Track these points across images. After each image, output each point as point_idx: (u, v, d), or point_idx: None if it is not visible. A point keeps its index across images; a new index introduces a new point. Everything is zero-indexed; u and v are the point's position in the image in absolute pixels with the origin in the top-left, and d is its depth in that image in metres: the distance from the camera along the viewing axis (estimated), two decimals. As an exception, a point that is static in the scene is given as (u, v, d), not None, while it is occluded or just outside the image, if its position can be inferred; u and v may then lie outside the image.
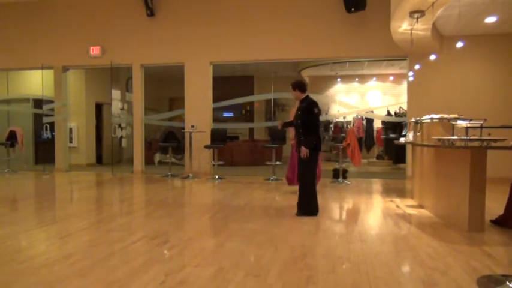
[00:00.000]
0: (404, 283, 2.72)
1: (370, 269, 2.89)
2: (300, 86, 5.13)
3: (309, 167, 4.95)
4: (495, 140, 3.80)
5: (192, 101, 9.30)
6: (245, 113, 15.07)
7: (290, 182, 6.67)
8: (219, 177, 8.53)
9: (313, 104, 4.98)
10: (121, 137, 9.89)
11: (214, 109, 9.55)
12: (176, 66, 9.44)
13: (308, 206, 4.92)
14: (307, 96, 5.14)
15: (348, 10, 8.11)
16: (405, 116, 9.52)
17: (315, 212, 4.91)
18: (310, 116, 4.95)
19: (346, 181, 7.96)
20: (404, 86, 10.96)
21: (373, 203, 5.86)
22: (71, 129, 11.09)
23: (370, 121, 13.48)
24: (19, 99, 11.62)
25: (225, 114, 14.68)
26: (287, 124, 5.61)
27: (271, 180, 8.22)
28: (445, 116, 4.98)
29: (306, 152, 4.84)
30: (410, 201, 5.88)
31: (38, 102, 10.72)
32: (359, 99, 14.43)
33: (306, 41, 8.73)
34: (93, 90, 11.84)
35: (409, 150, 7.92)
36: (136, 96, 9.66)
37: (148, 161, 10.48)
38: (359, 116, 13.30)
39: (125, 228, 4.26)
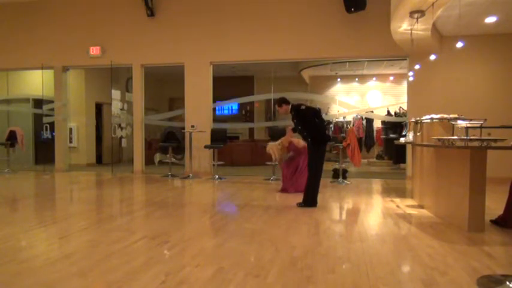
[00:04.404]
0: (404, 283, 2.72)
1: (370, 269, 2.89)
2: (283, 100, 5.61)
3: (315, 162, 5.36)
4: (495, 140, 3.80)
5: (192, 101, 9.30)
6: (245, 113, 15.07)
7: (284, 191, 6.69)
8: (219, 177, 8.53)
9: (298, 105, 5.47)
10: (121, 137, 9.89)
11: (214, 109, 9.55)
12: (176, 66, 9.43)
13: (309, 198, 5.34)
14: (292, 104, 5.56)
15: (348, 10, 8.11)
16: (405, 116, 9.52)
17: (314, 204, 5.33)
18: (301, 116, 5.44)
19: (346, 181, 7.96)
20: (404, 86, 10.96)
21: (373, 203, 5.86)
22: (71, 129, 11.09)
23: (370, 121, 13.49)
24: (19, 99, 11.62)
25: (225, 114, 14.69)
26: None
27: (271, 180, 8.22)
28: (445, 116, 4.98)
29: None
30: (410, 201, 5.88)
31: (38, 102, 10.72)
32: (359, 99, 14.43)
33: (306, 41, 8.73)
34: (93, 90, 11.85)
35: (409, 150, 7.92)
36: (136, 96, 9.66)
37: (149, 161, 10.48)
38: (359, 116, 13.31)
39: (125, 228, 4.26)
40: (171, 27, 9.34)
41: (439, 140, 4.27)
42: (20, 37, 10.14)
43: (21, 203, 6.07)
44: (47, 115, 10.31)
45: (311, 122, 5.39)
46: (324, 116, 12.29)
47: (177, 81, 10.06)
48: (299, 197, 5.54)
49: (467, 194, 3.93)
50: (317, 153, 5.35)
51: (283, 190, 6.66)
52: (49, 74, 10.24)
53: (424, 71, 8.04)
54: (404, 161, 9.07)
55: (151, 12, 9.27)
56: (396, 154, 10.67)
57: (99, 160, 12.34)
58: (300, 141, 6.42)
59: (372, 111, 12.51)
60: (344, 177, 8.10)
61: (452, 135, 4.69)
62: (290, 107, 5.53)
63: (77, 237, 3.90)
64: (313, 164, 5.37)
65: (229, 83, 12.81)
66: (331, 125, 13.88)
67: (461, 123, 4.69)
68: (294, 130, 5.96)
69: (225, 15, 9.11)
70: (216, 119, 11.83)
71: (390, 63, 11.98)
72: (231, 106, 14.78)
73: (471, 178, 3.90)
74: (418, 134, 5.63)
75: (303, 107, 5.44)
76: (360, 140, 12.35)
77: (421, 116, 5.44)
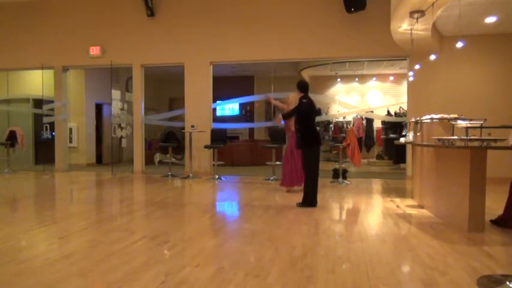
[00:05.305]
0: (404, 283, 2.72)
1: (370, 269, 2.89)
2: (298, 85, 5.57)
3: (310, 162, 5.34)
4: (495, 140, 3.80)
5: (192, 101, 9.30)
6: (245, 113, 15.07)
7: (285, 183, 6.72)
8: (219, 177, 8.53)
9: (302, 97, 5.42)
10: (121, 137, 9.89)
11: (214, 109, 9.54)
12: (176, 66, 9.43)
13: (309, 198, 5.33)
14: (303, 96, 5.45)
15: (348, 10, 8.10)
16: (405, 116, 9.52)
17: (314, 204, 5.31)
18: (299, 109, 5.40)
19: (346, 181, 7.96)
20: (404, 86, 10.96)
21: (373, 203, 5.86)
22: (71, 129, 11.09)
23: (370, 121, 13.49)
24: (19, 99, 11.63)
25: (225, 114, 14.69)
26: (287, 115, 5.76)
27: (271, 180, 8.22)
28: (445, 116, 4.97)
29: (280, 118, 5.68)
30: (410, 201, 5.88)
31: (38, 102, 10.72)
32: (359, 99, 14.43)
33: (306, 41, 8.73)
34: (93, 90, 11.84)
35: (409, 150, 7.92)
36: (136, 96, 9.65)
37: (149, 161, 10.48)
38: (359, 116, 13.30)
39: (125, 228, 4.26)
40: (171, 27, 9.33)
41: (439, 140, 4.27)
42: (20, 37, 10.13)
43: (21, 203, 6.07)
44: (47, 115, 10.31)
45: (304, 118, 5.37)
46: (324, 116, 12.45)
47: (177, 81, 10.06)
48: (299, 197, 5.54)
49: (467, 194, 3.92)
50: (310, 153, 5.35)
51: (283, 184, 6.71)
52: (49, 74, 10.24)
53: (424, 71, 8.04)
54: (404, 161, 9.07)
55: (151, 12, 9.26)
56: (396, 154, 10.67)
57: (99, 160, 12.34)
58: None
59: (372, 111, 12.51)
60: (344, 177, 8.10)
61: (452, 135, 4.69)
62: (301, 96, 5.44)
63: (77, 237, 3.90)
64: (308, 164, 5.37)
65: (229, 83, 12.81)
66: (331, 125, 13.90)
67: (461, 123, 4.68)
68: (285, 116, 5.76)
69: (225, 15, 9.10)
70: (216, 119, 11.84)
71: (390, 63, 11.98)
72: (231, 106, 14.77)
73: (471, 178, 3.90)
74: (418, 134, 5.62)
75: (304, 100, 5.39)
76: (360, 140, 12.35)
77: (421, 116, 5.43)
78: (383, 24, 7.61)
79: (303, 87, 5.50)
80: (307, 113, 5.40)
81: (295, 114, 5.51)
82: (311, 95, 5.58)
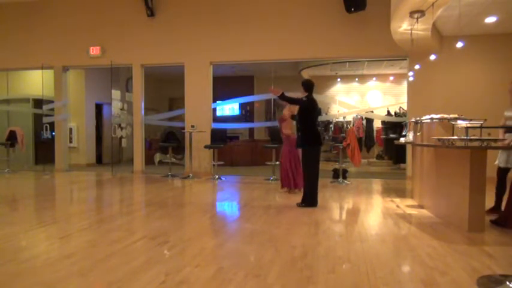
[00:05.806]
0: (404, 283, 2.72)
1: (370, 269, 2.89)
2: (303, 84, 5.52)
3: (310, 162, 5.33)
4: (495, 140, 3.80)
5: (192, 101, 9.30)
6: (245, 113, 15.06)
7: (284, 185, 6.69)
8: (219, 177, 8.53)
9: (305, 95, 5.40)
10: (121, 137, 9.89)
11: (214, 109, 9.54)
12: (176, 66, 9.44)
13: (309, 198, 5.32)
14: (306, 95, 5.41)
15: (348, 10, 8.11)
16: (405, 116, 9.52)
17: (314, 204, 5.32)
18: (300, 108, 5.42)
19: (346, 181, 7.96)
20: (404, 86, 10.96)
21: (373, 203, 5.86)
22: (71, 129, 11.09)
23: (370, 121, 13.49)
24: (19, 99, 11.63)
25: (225, 114, 14.68)
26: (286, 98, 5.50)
27: (271, 180, 8.22)
28: (445, 116, 4.97)
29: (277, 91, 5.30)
30: (410, 201, 5.88)
31: (38, 102, 10.72)
32: (359, 99, 14.43)
33: (306, 41, 8.73)
34: (93, 90, 11.85)
35: (409, 150, 7.92)
36: (136, 96, 9.66)
37: (149, 161, 10.48)
38: (359, 116, 13.30)
39: (125, 228, 4.26)
40: (171, 27, 9.34)
41: (439, 140, 4.27)
42: (20, 37, 10.13)
43: (21, 203, 6.07)
44: (47, 115, 10.31)
45: (305, 118, 5.37)
46: (324, 116, 12.45)
47: (177, 81, 10.06)
48: (299, 197, 5.55)
49: (467, 194, 3.92)
50: (310, 153, 5.35)
51: (284, 186, 6.67)
52: (49, 74, 10.24)
53: (424, 71, 8.04)
54: (404, 161, 9.07)
55: (151, 12, 9.27)
56: (396, 154, 10.67)
57: (99, 160, 12.34)
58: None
59: (372, 111, 12.51)
60: (344, 177, 8.10)
61: (452, 135, 4.69)
62: (304, 95, 5.40)
63: (77, 237, 3.90)
64: (309, 164, 5.36)
65: (229, 83, 12.81)
66: (331, 125, 13.90)
67: (461, 123, 4.69)
68: (283, 97, 5.44)
69: (225, 15, 9.10)
70: (216, 119, 11.83)
71: (390, 63, 11.98)
72: (231, 106, 14.76)
73: (471, 178, 3.90)
74: (418, 134, 5.63)
75: (304, 98, 5.37)
76: (359, 140, 12.35)
77: (421, 116, 5.44)
78: (383, 24, 7.61)
79: (306, 86, 5.46)
80: (309, 113, 5.38)
81: (297, 113, 5.50)
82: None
